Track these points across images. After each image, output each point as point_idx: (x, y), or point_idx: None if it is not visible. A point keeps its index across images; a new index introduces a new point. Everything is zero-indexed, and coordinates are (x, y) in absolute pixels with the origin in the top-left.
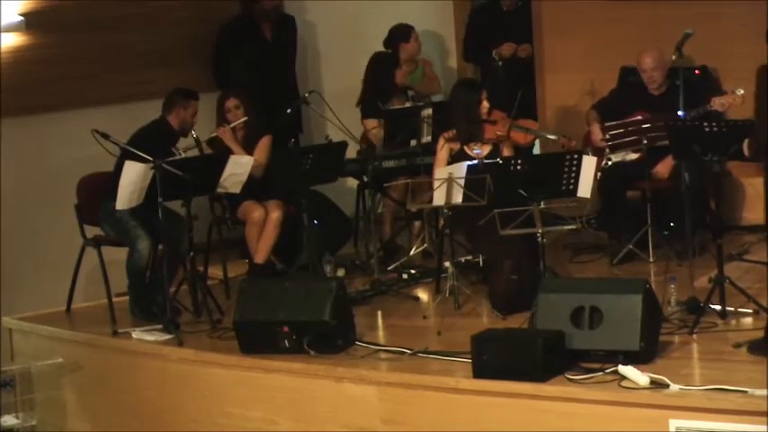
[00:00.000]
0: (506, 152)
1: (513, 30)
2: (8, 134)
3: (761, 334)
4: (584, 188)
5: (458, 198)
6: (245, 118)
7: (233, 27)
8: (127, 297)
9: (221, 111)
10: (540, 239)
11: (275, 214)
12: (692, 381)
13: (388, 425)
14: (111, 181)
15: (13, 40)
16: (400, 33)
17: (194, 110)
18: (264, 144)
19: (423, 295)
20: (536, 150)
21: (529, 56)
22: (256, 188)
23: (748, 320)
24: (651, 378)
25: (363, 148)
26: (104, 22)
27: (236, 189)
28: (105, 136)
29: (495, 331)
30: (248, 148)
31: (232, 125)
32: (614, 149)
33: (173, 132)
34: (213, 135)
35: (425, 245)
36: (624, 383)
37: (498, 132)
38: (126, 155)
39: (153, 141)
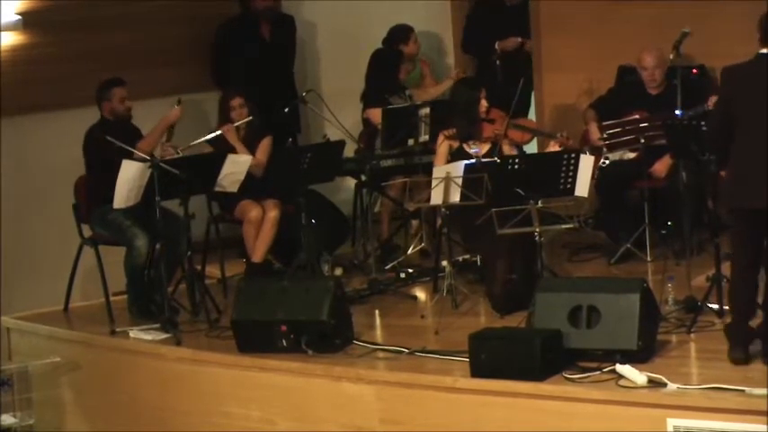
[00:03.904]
0: (506, 150)
1: (515, 25)
2: (6, 133)
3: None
4: (582, 187)
5: (455, 197)
6: (250, 117)
7: (231, 27)
8: (124, 296)
9: (225, 109)
10: (537, 238)
11: (272, 213)
12: (690, 380)
13: (386, 424)
14: (95, 185)
15: (10, 40)
16: (399, 34)
17: (120, 95)
18: (266, 144)
19: (420, 294)
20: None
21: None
22: (254, 187)
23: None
24: (649, 377)
25: (361, 148)
26: (102, 22)
27: (234, 188)
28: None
29: (493, 330)
30: (248, 148)
31: (236, 124)
32: (612, 148)
33: (112, 124)
34: (218, 133)
35: (423, 244)
36: (622, 382)
37: (496, 131)
38: (93, 155)
39: (109, 139)
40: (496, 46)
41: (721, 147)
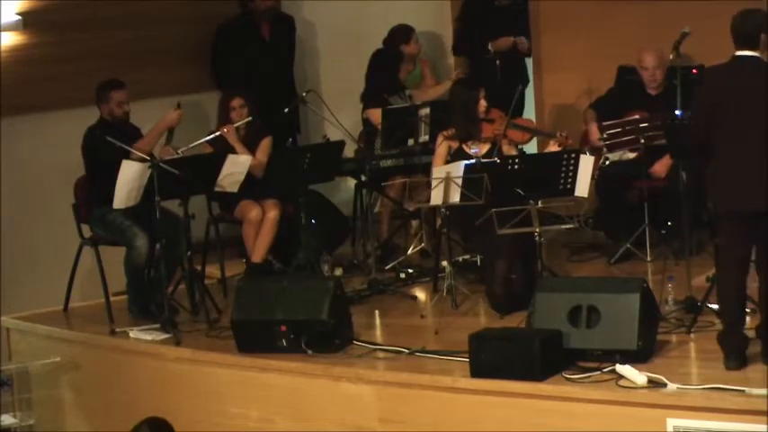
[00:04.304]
0: (506, 150)
1: (506, 24)
2: (5, 133)
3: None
4: (582, 187)
5: (455, 197)
6: (250, 118)
7: (231, 27)
8: (124, 296)
9: (225, 110)
10: (537, 239)
11: (272, 213)
12: (690, 380)
13: (386, 424)
14: (95, 186)
15: (10, 40)
16: (400, 34)
17: (118, 99)
18: (265, 145)
19: (420, 294)
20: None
21: (526, 50)
22: (254, 187)
23: (745, 319)
24: (649, 377)
25: (361, 148)
26: (102, 22)
27: (234, 188)
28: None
29: (493, 330)
30: (248, 148)
31: (236, 124)
32: (612, 149)
33: (111, 125)
34: (217, 134)
35: (423, 244)
36: (622, 383)
37: (495, 131)
38: (92, 156)
39: (109, 140)
40: (489, 47)
41: (704, 147)
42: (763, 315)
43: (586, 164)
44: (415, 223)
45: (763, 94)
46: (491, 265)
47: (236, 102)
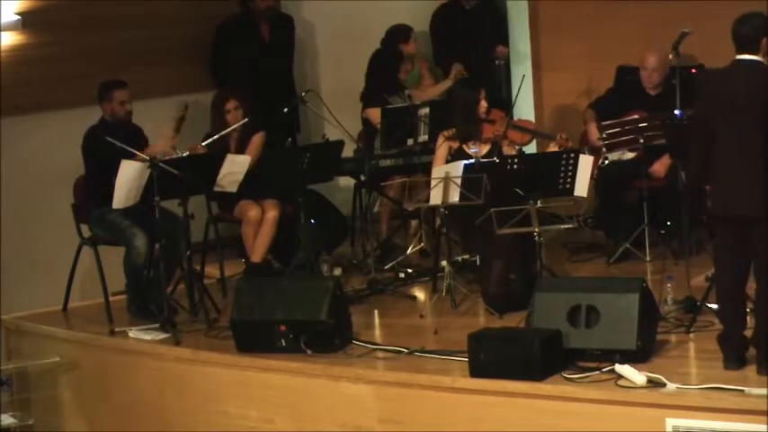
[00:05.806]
0: (506, 151)
1: (478, 28)
2: (6, 133)
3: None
4: (581, 187)
5: (454, 197)
6: (246, 119)
7: (231, 27)
8: (123, 296)
9: (220, 112)
10: (536, 238)
11: (271, 213)
12: (689, 380)
13: (385, 424)
14: (94, 186)
15: (10, 40)
16: (399, 34)
17: (120, 98)
18: (256, 141)
19: (419, 294)
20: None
21: (505, 55)
22: (253, 187)
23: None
24: (648, 377)
25: (360, 148)
26: (101, 22)
27: (233, 188)
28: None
29: (492, 330)
30: (243, 148)
31: (232, 127)
32: (611, 148)
33: (111, 125)
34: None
35: (422, 244)
36: (621, 382)
37: (495, 132)
38: (92, 156)
39: (109, 140)
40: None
41: (702, 151)
42: (758, 323)
43: (586, 163)
44: (414, 223)
45: (762, 99)
46: (488, 264)
47: (231, 104)
